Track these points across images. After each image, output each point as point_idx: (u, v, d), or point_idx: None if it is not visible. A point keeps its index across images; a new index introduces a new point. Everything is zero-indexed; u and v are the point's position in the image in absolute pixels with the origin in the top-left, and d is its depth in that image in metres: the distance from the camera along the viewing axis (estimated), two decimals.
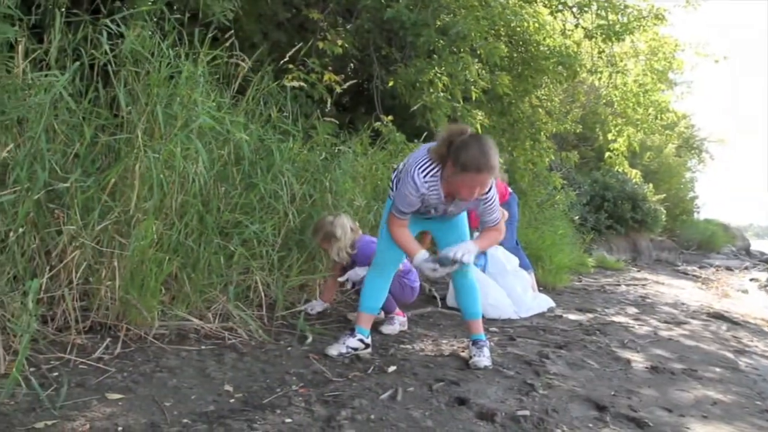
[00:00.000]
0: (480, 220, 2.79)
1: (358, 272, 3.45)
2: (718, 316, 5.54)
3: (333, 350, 2.86)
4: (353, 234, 3.49)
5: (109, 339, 2.56)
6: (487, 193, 2.62)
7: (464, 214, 2.99)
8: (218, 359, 2.59)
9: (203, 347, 2.72)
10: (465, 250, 2.60)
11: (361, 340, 2.95)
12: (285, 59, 4.17)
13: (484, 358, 2.89)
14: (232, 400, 2.17)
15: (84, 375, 2.21)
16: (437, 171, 2.59)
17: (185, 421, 1.95)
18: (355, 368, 2.71)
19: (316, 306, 3.63)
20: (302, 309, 3.53)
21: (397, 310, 3.55)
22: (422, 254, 2.70)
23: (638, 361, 3.36)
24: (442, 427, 2.10)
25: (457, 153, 2.46)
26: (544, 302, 4.87)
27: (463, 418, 2.19)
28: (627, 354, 3.49)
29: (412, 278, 3.61)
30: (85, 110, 2.73)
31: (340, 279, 3.56)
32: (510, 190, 5.60)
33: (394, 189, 2.78)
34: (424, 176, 2.59)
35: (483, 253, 4.27)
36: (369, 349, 2.97)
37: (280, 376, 2.49)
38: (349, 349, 2.89)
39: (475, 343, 2.98)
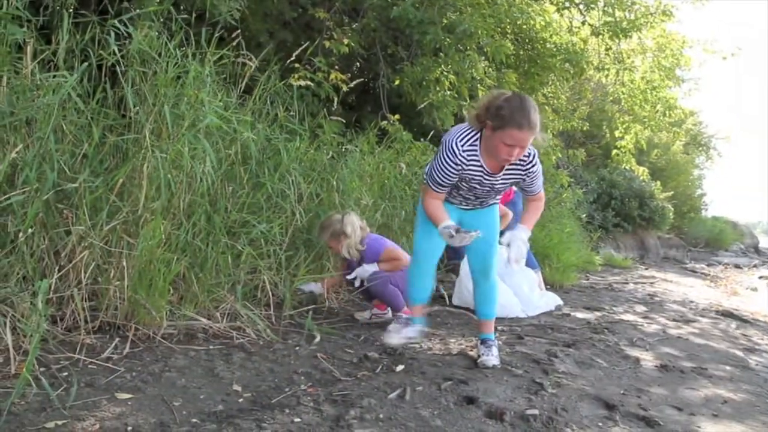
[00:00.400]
0: (525, 192, 2.76)
1: (366, 269, 3.46)
2: (728, 314, 5.51)
3: (393, 339, 2.93)
4: (362, 232, 3.50)
5: (117, 339, 2.57)
6: (532, 161, 2.57)
7: (496, 208, 2.94)
8: (226, 359, 2.59)
9: (211, 347, 2.73)
10: (514, 237, 2.57)
11: (419, 330, 3.02)
12: (291, 58, 4.17)
13: (492, 357, 2.87)
14: (240, 400, 2.18)
15: (93, 375, 2.22)
16: (476, 139, 2.52)
17: (194, 420, 1.95)
18: (364, 367, 2.71)
19: (312, 287, 3.63)
20: (299, 287, 3.52)
21: (406, 308, 3.54)
22: (447, 222, 2.63)
23: (647, 359, 3.35)
24: (451, 426, 2.09)
25: (497, 109, 2.37)
26: (551, 300, 4.85)
27: (472, 417, 2.19)
28: (636, 352, 3.47)
29: None
30: (93, 111, 2.74)
31: (349, 278, 3.56)
32: (515, 188, 5.57)
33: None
34: (463, 144, 2.51)
35: None
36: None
37: (289, 375, 2.49)
38: (408, 339, 2.95)
39: (483, 342, 2.96)
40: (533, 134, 2.37)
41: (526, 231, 2.64)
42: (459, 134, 2.54)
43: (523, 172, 2.61)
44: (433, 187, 2.64)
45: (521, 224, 2.70)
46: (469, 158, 2.53)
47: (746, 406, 2.65)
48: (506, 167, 2.58)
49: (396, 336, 2.93)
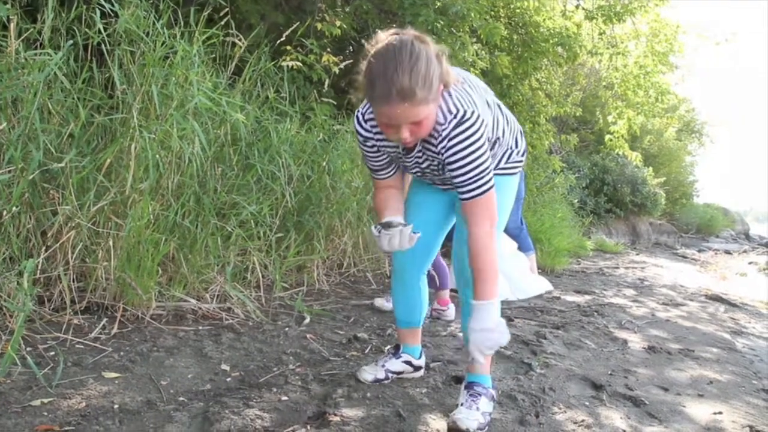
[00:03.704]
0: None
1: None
2: (716, 298, 5.56)
3: (365, 375, 2.25)
4: None
5: (105, 319, 2.56)
6: (448, 132, 1.69)
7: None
8: (215, 339, 2.59)
9: (200, 327, 2.72)
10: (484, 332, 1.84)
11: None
12: (282, 39, 4.13)
13: (472, 416, 1.86)
14: (228, 379, 2.18)
15: (80, 354, 2.21)
16: None
17: (181, 399, 1.95)
18: (353, 348, 2.71)
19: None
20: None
21: (447, 296, 3.53)
22: (384, 219, 1.93)
23: (635, 341, 3.37)
24: (438, 404, 2.10)
25: (363, 74, 1.68)
26: (542, 285, 4.87)
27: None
28: (624, 334, 3.50)
29: None
30: (80, 90, 2.70)
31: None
32: None
33: None
34: (365, 113, 1.89)
35: None
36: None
37: (277, 355, 2.49)
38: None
39: (468, 387, 2.00)
40: (416, 103, 1.57)
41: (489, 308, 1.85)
42: (365, 104, 1.89)
43: (435, 151, 1.77)
44: (371, 174, 2.04)
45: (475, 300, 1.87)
46: (375, 131, 1.88)
47: (732, 387, 2.68)
48: (420, 142, 1.82)
49: (367, 370, 2.23)
